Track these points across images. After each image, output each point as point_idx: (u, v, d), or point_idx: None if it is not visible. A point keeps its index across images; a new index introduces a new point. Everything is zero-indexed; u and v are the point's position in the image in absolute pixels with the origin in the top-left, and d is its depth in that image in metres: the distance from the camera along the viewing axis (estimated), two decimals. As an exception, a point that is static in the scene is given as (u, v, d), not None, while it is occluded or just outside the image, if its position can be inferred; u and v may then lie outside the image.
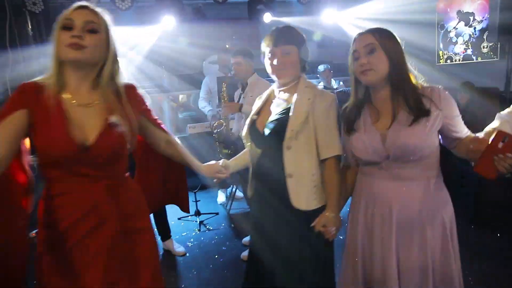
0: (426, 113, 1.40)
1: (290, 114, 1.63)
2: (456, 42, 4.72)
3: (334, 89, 4.71)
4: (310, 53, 1.72)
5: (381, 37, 1.45)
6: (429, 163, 1.47)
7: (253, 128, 1.77)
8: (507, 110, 1.58)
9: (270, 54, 1.67)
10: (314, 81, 5.79)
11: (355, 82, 1.55)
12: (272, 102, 1.78)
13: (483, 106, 4.17)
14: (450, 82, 4.67)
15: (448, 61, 4.82)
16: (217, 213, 4.31)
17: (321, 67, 4.78)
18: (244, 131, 1.82)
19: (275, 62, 1.65)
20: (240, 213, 4.39)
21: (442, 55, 4.90)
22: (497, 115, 1.58)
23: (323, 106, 1.64)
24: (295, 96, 1.67)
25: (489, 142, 1.29)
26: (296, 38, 1.68)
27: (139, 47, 4.88)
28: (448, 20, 4.79)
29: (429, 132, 1.41)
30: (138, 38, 4.87)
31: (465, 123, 1.50)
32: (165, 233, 3.46)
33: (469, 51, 4.59)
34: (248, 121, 1.81)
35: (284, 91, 1.73)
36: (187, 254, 3.41)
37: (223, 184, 4.82)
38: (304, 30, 1.76)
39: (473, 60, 4.54)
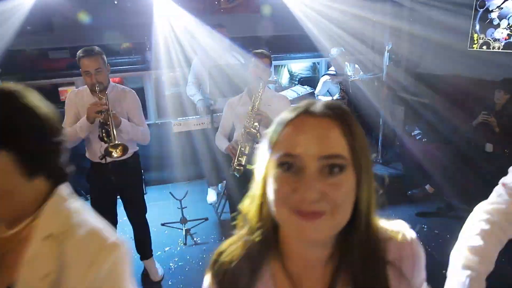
0: None
1: None
2: (498, 25, 3.93)
3: (348, 76, 3.99)
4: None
5: (356, 141, 0.66)
6: None
7: None
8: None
9: None
10: (322, 60, 5.08)
11: (260, 213, 0.74)
12: None
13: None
14: (483, 72, 3.98)
15: (484, 47, 4.07)
16: (206, 219, 3.76)
17: (334, 51, 4.00)
18: None
19: None
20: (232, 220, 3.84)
21: (477, 39, 4.14)
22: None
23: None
24: (25, 262, 0.76)
25: None
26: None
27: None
28: (490, -3, 3.96)
29: None
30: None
31: (501, 128, 0.91)
32: (146, 250, 2.96)
33: (513, 39, 3.83)
34: None
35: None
36: (170, 283, 2.90)
37: (213, 180, 4.25)
38: None
39: (518, 50, 3.80)
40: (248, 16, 5.43)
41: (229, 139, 2.82)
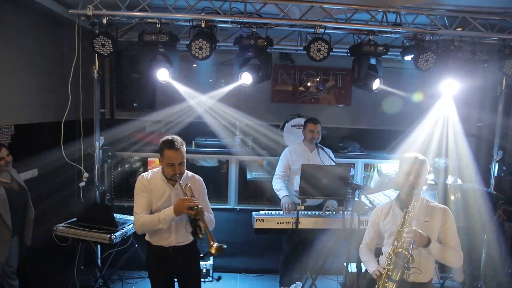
0: None
1: None
2: None
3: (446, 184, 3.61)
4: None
5: None
6: None
7: None
8: None
9: None
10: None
11: None
12: None
13: None
14: None
15: None
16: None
17: (441, 162, 3.65)
18: None
19: None
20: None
21: None
22: None
23: None
24: None
25: None
26: None
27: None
28: None
29: None
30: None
31: None
32: None
33: None
34: None
35: None
36: None
37: (285, 280, 3.85)
38: None
39: None
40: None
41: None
